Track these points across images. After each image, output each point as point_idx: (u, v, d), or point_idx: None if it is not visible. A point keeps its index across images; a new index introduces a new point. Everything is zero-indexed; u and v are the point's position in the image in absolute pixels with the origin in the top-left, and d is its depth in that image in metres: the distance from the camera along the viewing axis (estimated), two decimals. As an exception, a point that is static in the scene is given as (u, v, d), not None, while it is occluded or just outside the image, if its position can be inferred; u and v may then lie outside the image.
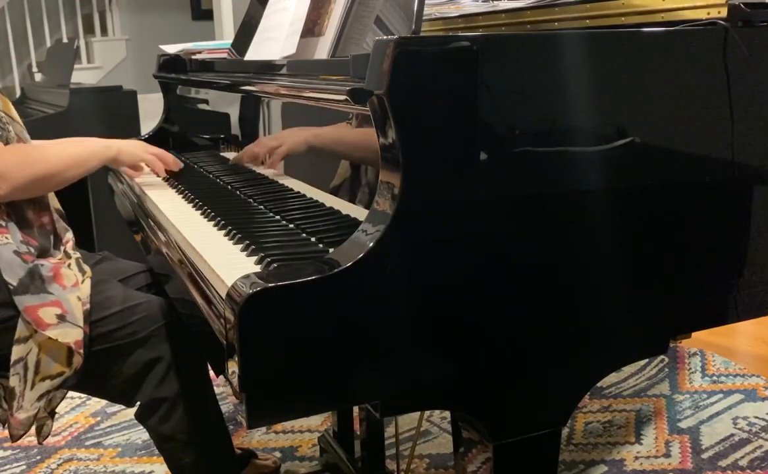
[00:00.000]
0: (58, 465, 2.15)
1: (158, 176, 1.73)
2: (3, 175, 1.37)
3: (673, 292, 1.09)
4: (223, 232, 1.25)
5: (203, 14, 6.00)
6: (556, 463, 1.08)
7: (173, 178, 1.73)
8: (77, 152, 1.54)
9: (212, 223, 1.32)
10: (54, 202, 1.57)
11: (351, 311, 0.88)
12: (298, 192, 1.36)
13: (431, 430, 2.23)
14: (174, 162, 1.71)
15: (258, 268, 1.04)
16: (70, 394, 1.52)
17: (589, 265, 1.01)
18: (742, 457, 2.02)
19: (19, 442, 1.44)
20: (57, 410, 1.48)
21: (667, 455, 2.05)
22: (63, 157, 1.50)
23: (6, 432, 1.41)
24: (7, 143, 1.45)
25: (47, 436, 1.48)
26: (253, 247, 1.11)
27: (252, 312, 0.83)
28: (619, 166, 1.01)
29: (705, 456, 2.03)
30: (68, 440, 2.29)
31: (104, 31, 6.20)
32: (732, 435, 2.13)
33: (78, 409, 2.48)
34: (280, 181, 1.44)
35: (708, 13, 1.07)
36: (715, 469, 1.97)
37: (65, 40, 5.49)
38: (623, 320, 1.05)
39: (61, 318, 1.35)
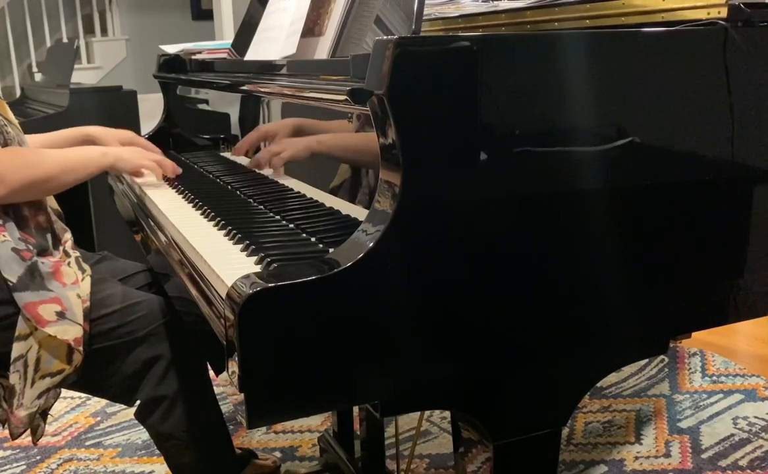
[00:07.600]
0: (58, 465, 2.15)
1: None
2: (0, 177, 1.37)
3: (673, 292, 1.09)
4: (223, 232, 1.25)
5: (203, 14, 6.01)
6: (556, 463, 1.08)
7: (173, 179, 1.73)
8: (74, 158, 1.54)
9: (212, 223, 1.32)
10: (51, 203, 1.56)
11: (351, 311, 0.88)
12: (298, 192, 1.36)
13: (431, 430, 2.23)
14: (173, 169, 1.69)
15: (258, 268, 1.04)
16: (71, 393, 1.53)
17: (589, 264, 1.01)
18: (742, 457, 2.02)
19: (18, 441, 1.44)
20: (57, 410, 1.48)
21: (667, 455, 2.05)
22: (60, 163, 1.49)
23: (6, 432, 1.41)
24: (5, 145, 1.45)
25: (41, 436, 1.48)
26: (253, 247, 1.11)
27: (252, 312, 0.83)
28: (618, 165, 1.01)
29: (705, 456, 2.03)
30: (68, 440, 2.28)
31: (104, 31, 6.22)
32: (732, 435, 2.13)
33: (78, 409, 2.47)
34: (280, 181, 1.44)
35: (708, 13, 1.07)
36: (715, 469, 1.97)
37: (65, 40, 5.50)
38: (623, 320, 1.05)
39: (61, 315, 1.35)
